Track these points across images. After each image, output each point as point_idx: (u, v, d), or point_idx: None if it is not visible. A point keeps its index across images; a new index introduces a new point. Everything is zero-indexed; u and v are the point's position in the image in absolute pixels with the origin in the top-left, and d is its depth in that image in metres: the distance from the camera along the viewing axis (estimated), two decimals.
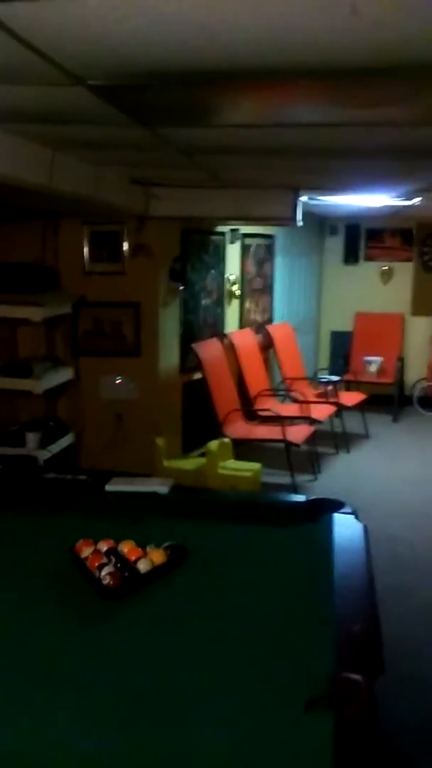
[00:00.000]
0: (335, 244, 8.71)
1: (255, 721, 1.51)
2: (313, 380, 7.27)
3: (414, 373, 8.54)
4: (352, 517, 2.58)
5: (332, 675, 1.61)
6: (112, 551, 2.22)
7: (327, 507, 2.61)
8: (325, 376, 7.15)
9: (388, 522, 4.81)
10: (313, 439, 5.84)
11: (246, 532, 2.50)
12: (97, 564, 2.13)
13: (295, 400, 6.40)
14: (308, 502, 2.71)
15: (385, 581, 3.77)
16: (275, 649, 1.79)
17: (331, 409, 6.40)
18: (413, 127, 2.74)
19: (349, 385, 7.75)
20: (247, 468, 5.04)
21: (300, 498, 2.85)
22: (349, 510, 2.63)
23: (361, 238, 8.63)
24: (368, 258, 8.65)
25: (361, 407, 6.98)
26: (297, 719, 1.49)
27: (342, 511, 2.61)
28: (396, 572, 4.05)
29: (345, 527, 2.47)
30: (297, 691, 1.56)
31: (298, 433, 5.58)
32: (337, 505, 2.63)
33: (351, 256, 8.67)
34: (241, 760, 1.41)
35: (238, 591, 2.10)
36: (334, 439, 6.62)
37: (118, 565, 2.13)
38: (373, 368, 8.11)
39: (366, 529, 2.46)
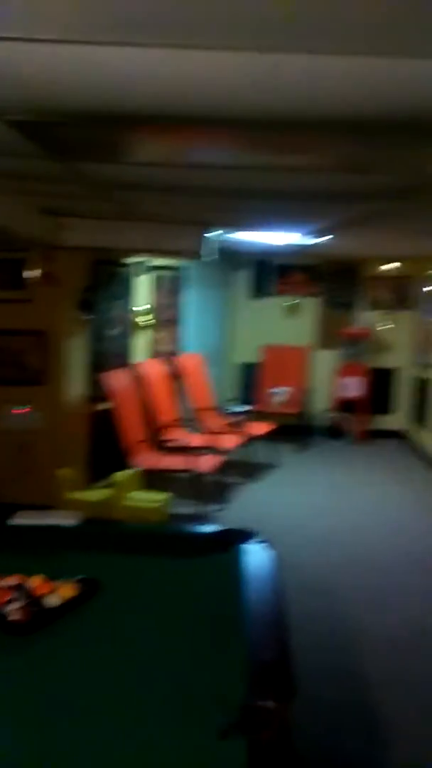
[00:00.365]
0: (244, 279, 8.92)
1: (169, 750, 1.50)
2: (222, 411, 7.36)
3: (319, 404, 8.80)
4: (263, 545, 2.62)
5: (245, 702, 1.63)
6: (20, 586, 2.16)
7: (238, 536, 2.65)
8: (234, 407, 7.25)
9: (296, 550, 4.90)
10: (222, 468, 5.90)
11: (157, 563, 2.49)
12: (4, 600, 2.07)
13: (205, 431, 6.45)
14: (219, 532, 2.74)
15: (294, 608, 3.83)
16: (188, 678, 1.79)
17: (240, 439, 6.49)
18: (323, 173, 2.88)
19: (258, 416, 7.88)
20: (156, 498, 5.01)
21: (211, 528, 2.86)
22: (260, 539, 2.67)
23: (270, 273, 8.87)
24: (276, 293, 8.90)
25: (269, 437, 7.11)
26: (211, 747, 1.49)
27: (253, 540, 2.65)
28: (301, 599, 4.10)
29: (256, 556, 2.50)
30: (211, 719, 1.57)
31: (207, 463, 5.61)
32: (247, 535, 2.67)
33: (259, 290, 8.90)
34: None
35: (151, 623, 2.09)
36: (243, 469, 6.70)
37: (27, 600, 2.08)
38: (280, 399, 8.30)
39: (277, 558, 2.51)
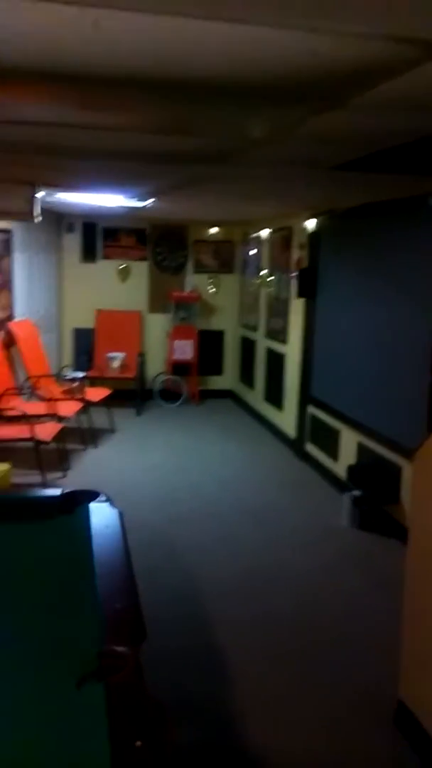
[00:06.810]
0: (73, 242, 8.76)
1: (34, 703, 1.56)
2: (59, 377, 7.27)
3: (154, 367, 8.95)
4: (107, 504, 2.70)
5: (100, 650, 1.72)
6: None
7: (82, 497, 2.71)
8: (71, 373, 7.19)
9: (137, 508, 5.04)
10: (61, 436, 5.87)
11: (6, 529, 2.49)
12: None
13: (42, 398, 6.36)
14: (63, 495, 2.77)
15: (138, 563, 3.96)
16: (46, 634, 1.85)
17: (78, 405, 6.47)
18: (143, 134, 2.93)
19: (94, 381, 7.88)
20: None
21: (55, 491, 2.89)
22: (104, 498, 2.75)
23: (98, 237, 8.79)
24: (105, 256, 8.85)
25: (106, 402, 7.15)
26: (71, 695, 1.57)
27: (97, 500, 2.72)
28: (146, 554, 4.25)
29: (101, 515, 2.58)
30: (70, 669, 1.65)
31: (46, 431, 5.56)
32: (92, 495, 2.74)
33: (89, 254, 8.79)
34: (28, 739, 1.46)
35: (5, 586, 2.11)
36: (82, 435, 6.70)
37: None
38: (116, 364, 8.34)
39: (121, 515, 2.60)
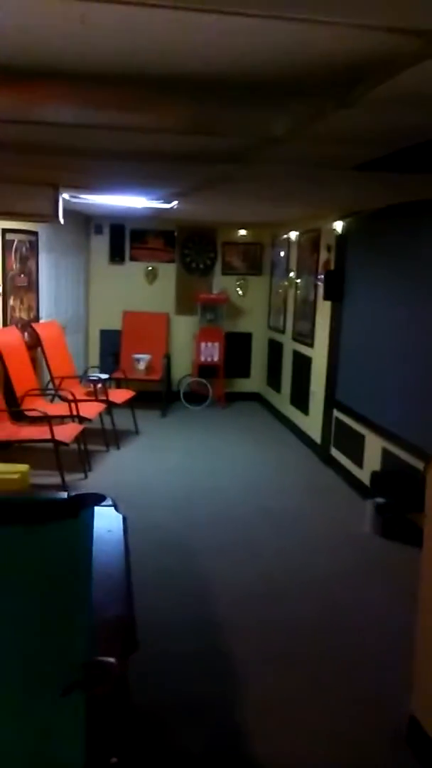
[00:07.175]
0: (101, 243, 8.79)
1: (11, 710, 1.52)
2: (83, 378, 7.28)
3: (180, 369, 8.92)
4: (112, 509, 2.66)
5: (87, 660, 1.67)
6: None
7: (87, 501, 2.67)
8: (95, 375, 7.19)
9: (154, 511, 5.01)
10: (83, 437, 5.86)
11: (8, 531, 2.47)
12: None
13: (65, 399, 6.37)
14: (69, 498, 2.75)
15: (150, 566, 3.93)
16: (36, 641, 1.81)
17: (101, 406, 6.46)
18: (162, 134, 2.88)
19: (120, 383, 7.88)
20: (14, 470, 4.91)
21: (62, 495, 2.86)
22: (110, 502, 2.71)
23: (126, 239, 8.80)
24: (133, 258, 8.85)
25: (130, 404, 7.14)
26: (53, 705, 1.53)
27: (102, 504, 2.68)
28: (160, 557, 4.22)
29: (105, 519, 2.54)
30: (55, 679, 1.60)
31: (66, 432, 5.56)
32: (97, 499, 2.70)
33: (117, 255, 8.81)
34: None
35: (4, 588, 2.09)
36: (105, 437, 6.69)
37: None
38: (141, 366, 8.33)
39: (125, 520, 2.56)
